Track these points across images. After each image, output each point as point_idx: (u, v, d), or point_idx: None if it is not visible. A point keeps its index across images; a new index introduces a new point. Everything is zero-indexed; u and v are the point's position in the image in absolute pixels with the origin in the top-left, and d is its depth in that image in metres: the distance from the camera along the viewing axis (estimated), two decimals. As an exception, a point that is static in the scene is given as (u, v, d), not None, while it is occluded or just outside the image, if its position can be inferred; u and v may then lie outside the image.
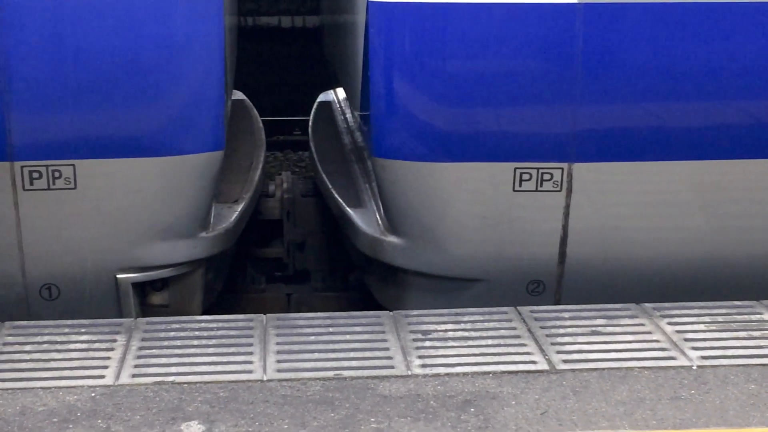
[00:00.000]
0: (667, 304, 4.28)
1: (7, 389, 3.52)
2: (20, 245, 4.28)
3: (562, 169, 4.35)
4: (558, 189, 4.38)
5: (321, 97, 7.19)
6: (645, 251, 4.57)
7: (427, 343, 3.88)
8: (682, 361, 3.77)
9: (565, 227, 4.46)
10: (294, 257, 6.13)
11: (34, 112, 4.05)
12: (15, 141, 4.07)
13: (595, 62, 4.15)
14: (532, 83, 4.19)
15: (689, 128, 4.34)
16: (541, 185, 4.37)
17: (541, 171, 4.35)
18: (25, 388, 3.53)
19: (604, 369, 3.71)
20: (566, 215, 4.44)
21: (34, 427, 3.28)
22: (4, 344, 3.85)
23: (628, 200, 4.48)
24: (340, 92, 6.95)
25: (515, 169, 4.34)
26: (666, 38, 4.19)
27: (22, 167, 4.12)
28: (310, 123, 6.69)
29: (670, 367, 3.73)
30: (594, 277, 4.59)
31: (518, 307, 4.22)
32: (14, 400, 3.45)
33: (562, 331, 4.01)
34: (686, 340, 3.95)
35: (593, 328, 4.04)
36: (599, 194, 4.43)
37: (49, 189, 4.17)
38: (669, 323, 4.09)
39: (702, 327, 4.07)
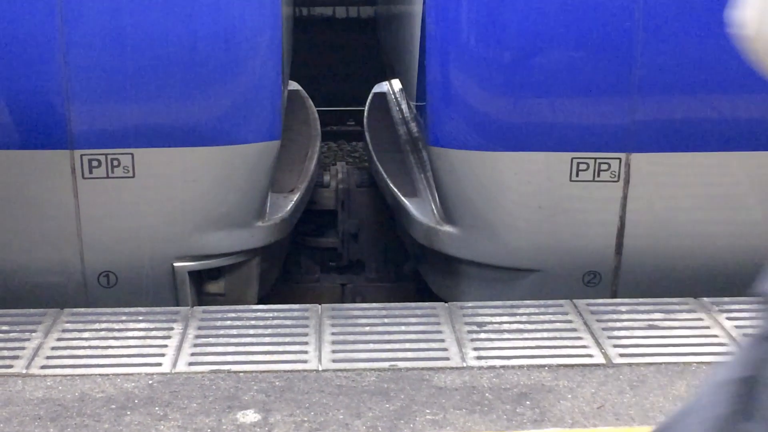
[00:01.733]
0: (725, 299, 4.20)
1: (66, 375, 3.54)
2: (79, 233, 4.31)
3: (620, 159, 4.29)
4: (615, 179, 4.32)
5: (376, 88, 7.17)
6: (703, 243, 4.50)
7: (483, 335, 3.85)
8: (741, 356, 3.69)
9: (622, 218, 4.40)
10: (348, 247, 6.12)
11: (94, 102, 4.07)
12: (75, 130, 4.09)
13: (654, 53, 4.07)
14: (590, 73, 4.13)
15: (749, 119, 4.26)
16: (599, 175, 4.32)
17: (598, 161, 4.30)
18: (83, 375, 3.55)
19: (661, 364, 3.65)
20: (623, 206, 4.38)
21: (93, 413, 3.30)
22: (63, 331, 3.88)
23: (686, 191, 4.40)
24: (395, 83, 6.92)
25: (572, 158, 4.28)
26: (725, 30, 4.11)
27: (81, 156, 4.14)
28: (366, 114, 6.67)
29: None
30: (651, 268, 4.52)
31: (574, 300, 4.17)
32: (73, 386, 3.47)
33: (618, 324, 3.95)
34: (745, 335, 3.87)
35: (650, 322, 3.98)
36: (657, 185, 4.37)
37: (108, 177, 4.19)
38: (728, 318, 4.01)
39: (762, 321, 3.98)
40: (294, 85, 6.58)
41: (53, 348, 3.75)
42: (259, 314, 4.02)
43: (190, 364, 3.62)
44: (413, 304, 4.16)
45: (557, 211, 4.39)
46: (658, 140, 4.28)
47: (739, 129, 4.28)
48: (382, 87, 7.15)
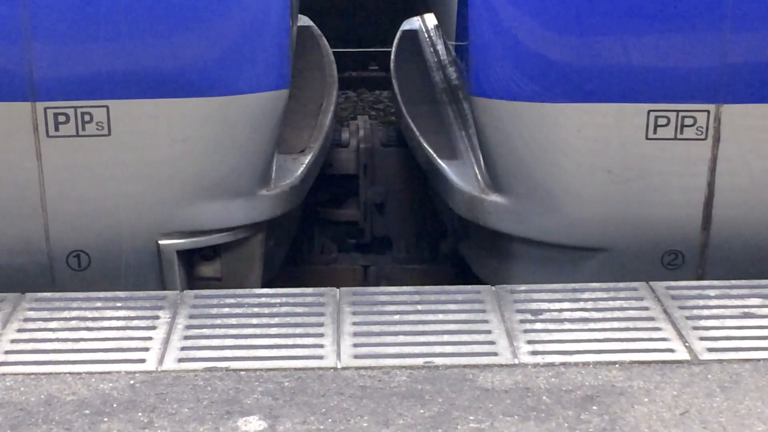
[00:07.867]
0: (838, 282, 4.22)
1: (30, 374, 3.60)
2: (43, 204, 4.36)
3: (708, 111, 4.31)
4: (702, 137, 4.33)
5: (405, 25, 7.18)
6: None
7: (538, 326, 3.89)
8: None
9: (710, 184, 4.41)
10: (372, 221, 6.17)
11: (61, 42, 4.11)
12: (37, 77, 4.13)
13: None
14: (672, 5, 4.14)
15: None
16: (682, 132, 4.34)
17: (681, 114, 4.31)
18: (50, 373, 3.60)
19: (759, 360, 3.68)
20: (712, 170, 4.39)
21: (62, 420, 3.35)
22: (26, 320, 3.94)
23: (792, 151, 4.42)
24: (430, 18, 6.93)
25: (649, 111, 4.30)
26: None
27: (45, 109, 4.19)
28: (393, 56, 6.69)
29: (843, 358, 3.69)
30: (745, 246, 4.54)
31: (651, 283, 4.20)
32: (38, 387, 3.53)
33: (706, 312, 3.98)
34: None
35: (745, 310, 4.00)
36: (754, 143, 4.38)
37: (77, 135, 4.23)
38: (842, 305, 4.04)
39: None
40: (304, 21, 6.61)
41: (13, 341, 3.81)
42: (264, 300, 4.07)
43: (180, 360, 3.68)
44: (453, 288, 4.20)
45: (630, 177, 4.41)
46: (756, 88, 4.28)
47: None
48: (413, 23, 7.17)
